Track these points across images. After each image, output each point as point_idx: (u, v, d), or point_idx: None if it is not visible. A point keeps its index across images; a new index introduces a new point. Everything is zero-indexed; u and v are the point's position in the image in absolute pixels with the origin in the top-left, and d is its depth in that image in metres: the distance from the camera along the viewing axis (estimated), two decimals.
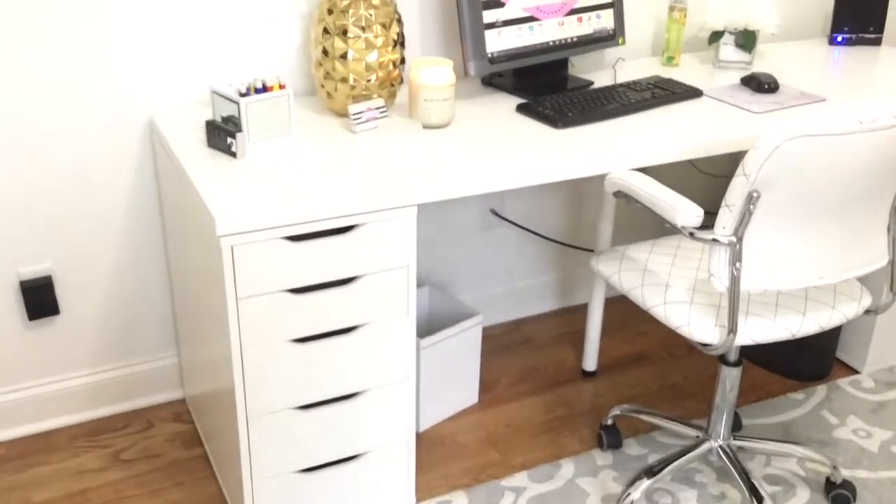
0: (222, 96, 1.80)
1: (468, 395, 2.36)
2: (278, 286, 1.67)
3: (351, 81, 1.97)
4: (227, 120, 1.81)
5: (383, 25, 1.96)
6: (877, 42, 2.67)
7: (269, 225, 1.61)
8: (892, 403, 2.37)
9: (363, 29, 1.94)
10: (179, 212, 1.92)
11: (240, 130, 1.78)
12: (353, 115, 1.94)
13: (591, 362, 2.50)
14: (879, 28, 2.66)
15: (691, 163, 2.77)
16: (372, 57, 1.96)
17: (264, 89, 1.80)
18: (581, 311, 2.81)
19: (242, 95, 1.77)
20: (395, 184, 1.71)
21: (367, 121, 1.96)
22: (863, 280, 2.28)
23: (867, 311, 1.87)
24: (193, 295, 1.96)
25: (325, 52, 1.97)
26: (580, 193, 2.69)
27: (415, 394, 1.90)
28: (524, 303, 2.76)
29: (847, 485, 2.04)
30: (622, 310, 2.78)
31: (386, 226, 1.72)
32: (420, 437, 2.25)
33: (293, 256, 1.66)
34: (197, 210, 1.71)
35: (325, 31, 1.96)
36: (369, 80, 1.98)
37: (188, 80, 2.07)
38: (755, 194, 1.59)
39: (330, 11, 1.95)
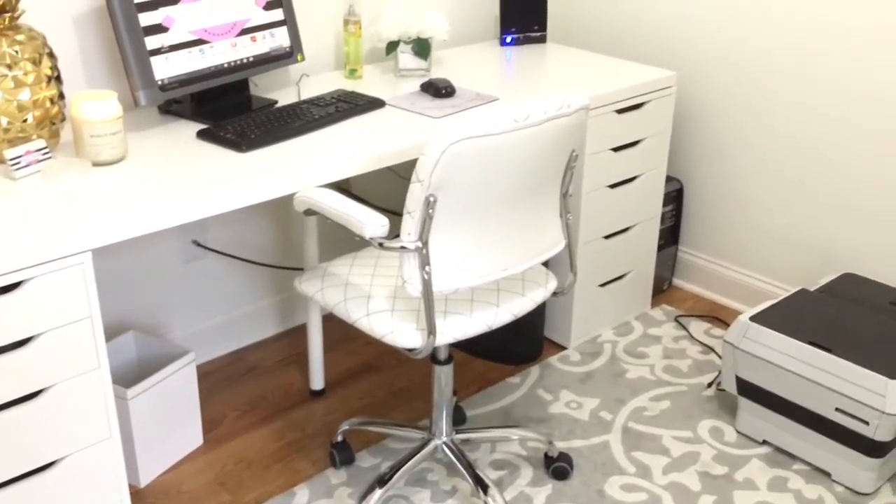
0: None
1: (191, 437, 2.24)
2: None
3: (3, 124, 1.80)
4: None
5: (33, 61, 1.81)
6: (542, 40, 2.88)
7: None
8: (596, 372, 2.57)
9: (10, 67, 1.78)
10: None
11: None
12: (11, 160, 1.77)
13: (317, 381, 2.48)
14: (543, 26, 2.86)
15: (391, 169, 2.82)
16: (24, 96, 1.80)
17: None
18: (303, 330, 2.78)
19: None
20: (63, 230, 1.58)
21: (27, 165, 1.80)
22: (549, 264, 2.44)
23: (555, 294, 2.00)
24: None
25: None
26: (284, 213, 2.66)
27: (122, 451, 1.78)
28: (243, 331, 2.68)
29: (564, 456, 2.17)
30: (345, 323, 2.78)
31: (58, 277, 1.58)
32: (141, 494, 2.11)
33: None
34: None
35: None
36: (25, 121, 1.82)
37: None
38: (432, 198, 1.64)
39: None
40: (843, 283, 2.41)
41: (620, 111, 2.47)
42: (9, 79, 1.78)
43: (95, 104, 1.82)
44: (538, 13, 2.85)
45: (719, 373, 2.53)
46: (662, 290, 2.97)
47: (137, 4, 1.98)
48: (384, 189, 2.81)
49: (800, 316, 2.22)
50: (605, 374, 2.55)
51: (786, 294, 2.34)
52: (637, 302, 2.82)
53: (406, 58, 2.50)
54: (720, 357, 2.63)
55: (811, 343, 2.10)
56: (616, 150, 2.51)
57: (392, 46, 2.49)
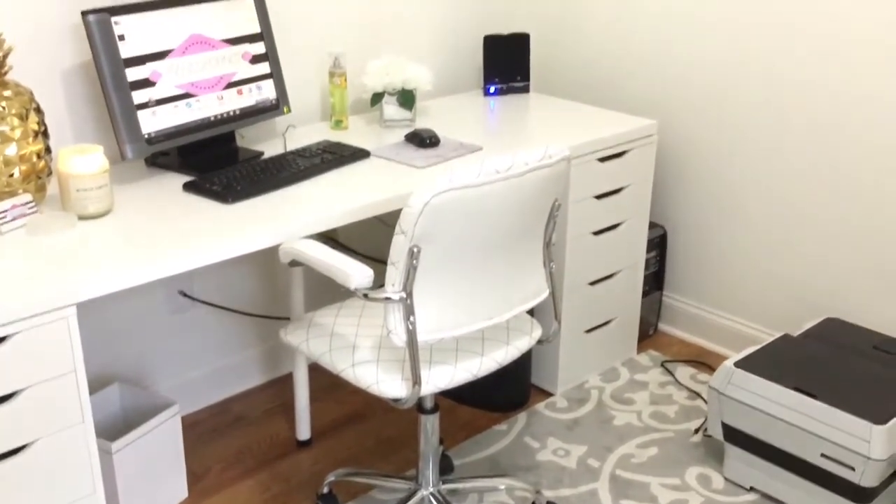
0: None
1: (176, 490, 2.22)
2: None
3: None
4: None
5: (20, 117, 1.83)
6: (525, 90, 2.92)
7: None
8: (583, 419, 2.56)
9: None
10: None
11: None
12: None
13: (304, 431, 2.47)
14: (526, 77, 2.91)
15: (379, 219, 2.84)
16: (10, 151, 1.82)
17: None
18: (290, 379, 2.77)
19: None
20: (48, 284, 1.58)
21: (13, 219, 1.80)
22: (534, 312, 2.45)
23: (540, 342, 2.01)
24: None
25: None
26: (271, 262, 2.67)
27: None
28: (229, 381, 2.67)
29: None
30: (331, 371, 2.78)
31: (43, 331, 1.58)
32: None
33: None
34: None
35: None
36: (12, 176, 1.83)
37: None
38: (415, 249, 1.65)
39: None
40: (826, 327, 2.43)
41: (603, 159, 2.50)
42: None
43: (82, 158, 1.83)
44: (521, 64, 2.89)
45: (706, 419, 2.53)
46: (648, 335, 2.98)
47: (125, 60, 2.00)
48: (371, 237, 2.83)
49: (784, 361, 2.23)
50: (593, 420, 2.55)
51: (770, 339, 2.36)
52: (623, 347, 2.83)
53: (391, 108, 2.54)
54: (706, 402, 2.63)
55: (795, 389, 2.11)
56: (599, 197, 2.54)
57: (377, 97, 2.52)
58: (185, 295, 2.49)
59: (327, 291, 2.82)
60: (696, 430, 2.50)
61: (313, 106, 2.63)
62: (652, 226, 2.84)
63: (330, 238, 2.72)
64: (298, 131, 2.51)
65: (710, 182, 2.80)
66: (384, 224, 2.84)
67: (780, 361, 2.23)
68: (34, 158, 1.87)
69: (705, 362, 2.84)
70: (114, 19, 1.98)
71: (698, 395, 2.67)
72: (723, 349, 2.89)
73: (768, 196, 2.67)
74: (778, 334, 2.52)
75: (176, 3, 2.10)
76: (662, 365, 2.82)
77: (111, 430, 2.22)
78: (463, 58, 2.98)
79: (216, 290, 2.55)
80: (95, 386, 2.31)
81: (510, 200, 1.70)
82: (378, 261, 2.79)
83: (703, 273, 2.89)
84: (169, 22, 2.08)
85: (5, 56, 1.84)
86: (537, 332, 1.99)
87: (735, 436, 2.23)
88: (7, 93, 1.82)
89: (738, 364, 2.21)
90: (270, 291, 2.70)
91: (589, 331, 2.69)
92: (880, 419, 1.99)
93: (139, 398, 2.23)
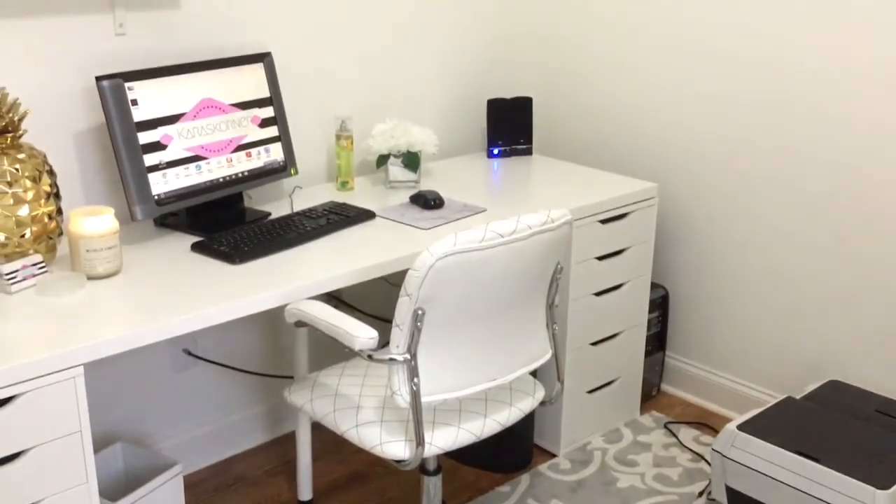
0: None
1: None
2: None
3: (1, 239, 1.84)
4: None
5: (32, 179, 1.87)
6: (528, 152, 2.97)
7: None
8: (587, 481, 2.55)
9: (10, 184, 1.84)
10: None
11: None
12: (7, 274, 1.81)
13: (305, 491, 2.45)
14: (528, 139, 2.96)
15: (383, 278, 2.87)
16: (23, 212, 1.85)
17: None
18: (292, 438, 2.76)
19: None
20: (56, 344, 1.60)
21: (23, 279, 1.83)
22: (537, 373, 2.46)
23: (542, 403, 2.01)
24: None
25: None
26: (275, 321, 2.69)
27: None
28: (232, 440, 2.66)
29: None
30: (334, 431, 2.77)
31: (50, 391, 1.60)
32: None
33: None
34: None
35: None
36: (23, 236, 1.87)
37: None
38: (420, 312, 1.67)
39: None
40: (828, 390, 2.43)
41: (604, 221, 2.54)
42: (8, 195, 1.84)
43: (92, 219, 1.87)
44: (524, 127, 2.95)
45: (709, 482, 2.52)
46: (651, 395, 2.98)
47: (137, 123, 2.05)
48: (375, 296, 2.85)
49: (787, 424, 2.23)
50: (596, 482, 2.54)
51: (772, 402, 2.36)
52: (626, 408, 2.83)
53: (396, 170, 2.58)
54: (710, 465, 2.62)
55: (798, 452, 2.10)
56: (601, 258, 2.57)
57: (382, 160, 2.57)
58: (188, 353, 2.50)
59: (331, 350, 2.83)
60: (700, 494, 2.49)
61: (320, 167, 2.68)
62: (654, 286, 2.86)
63: (334, 297, 2.74)
64: (305, 192, 2.55)
65: (710, 244, 2.83)
66: (388, 283, 2.87)
67: (783, 424, 2.23)
68: (46, 219, 1.90)
69: (708, 424, 2.84)
70: (127, 85, 2.04)
71: (701, 457, 2.66)
72: (726, 410, 2.89)
73: (769, 258, 2.70)
74: (781, 396, 2.52)
75: (188, 70, 2.16)
76: (665, 426, 2.82)
77: (113, 489, 2.21)
78: (467, 121, 3.03)
79: (220, 348, 2.57)
80: (99, 445, 2.31)
81: (513, 264, 1.72)
82: (382, 319, 2.80)
83: (706, 334, 2.91)
84: (181, 87, 2.14)
85: (20, 120, 1.89)
86: (540, 393, 2.00)
87: (739, 499, 2.22)
88: (21, 155, 1.87)
89: (740, 427, 2.21)
90: (274, 350, 2.71)
91: (591, 391, 2.69)
92: (884, 484, 1.98)
93: (141, 458, 2.22)
